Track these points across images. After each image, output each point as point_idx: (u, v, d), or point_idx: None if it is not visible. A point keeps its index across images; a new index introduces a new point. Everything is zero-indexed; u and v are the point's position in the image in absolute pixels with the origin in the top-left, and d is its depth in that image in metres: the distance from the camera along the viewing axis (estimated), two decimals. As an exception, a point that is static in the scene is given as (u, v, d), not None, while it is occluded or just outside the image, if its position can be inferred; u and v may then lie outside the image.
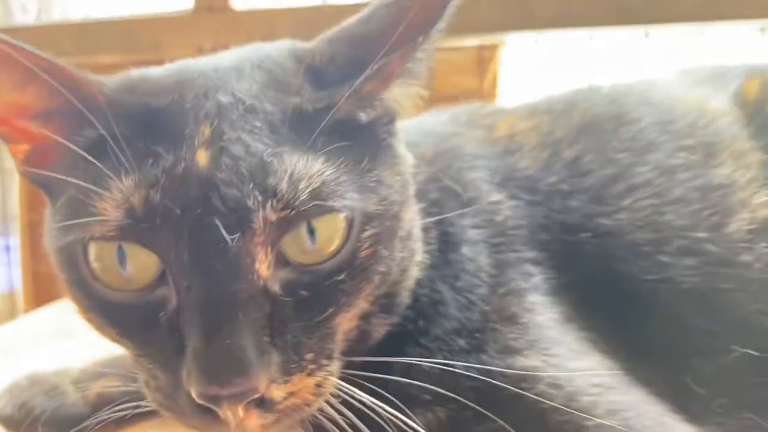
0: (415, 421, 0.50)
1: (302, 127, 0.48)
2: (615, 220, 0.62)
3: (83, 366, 0.72)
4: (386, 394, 0.50)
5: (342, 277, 0.48)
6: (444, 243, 0.61)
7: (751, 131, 0.67)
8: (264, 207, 0.45)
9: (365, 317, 0.54)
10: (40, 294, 1.51)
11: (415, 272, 0.57)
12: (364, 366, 0.51)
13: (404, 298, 0.57)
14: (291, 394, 0.47)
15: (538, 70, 1.39)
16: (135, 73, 0.54)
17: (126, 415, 0.56)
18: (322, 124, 0.48)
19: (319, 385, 0.48)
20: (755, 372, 0.59)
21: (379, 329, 0.56)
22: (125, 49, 1.35)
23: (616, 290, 0.61)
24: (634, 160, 0.65)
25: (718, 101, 0.71)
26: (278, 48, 0.55)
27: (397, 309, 0.56)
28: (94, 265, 0.47)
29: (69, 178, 0.47)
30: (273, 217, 0.45)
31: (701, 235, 0.62)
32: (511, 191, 0.64)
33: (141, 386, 0.49)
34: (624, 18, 1.23)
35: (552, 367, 0.54)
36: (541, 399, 0.51)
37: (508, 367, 0.53)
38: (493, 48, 1.39)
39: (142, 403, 0.51)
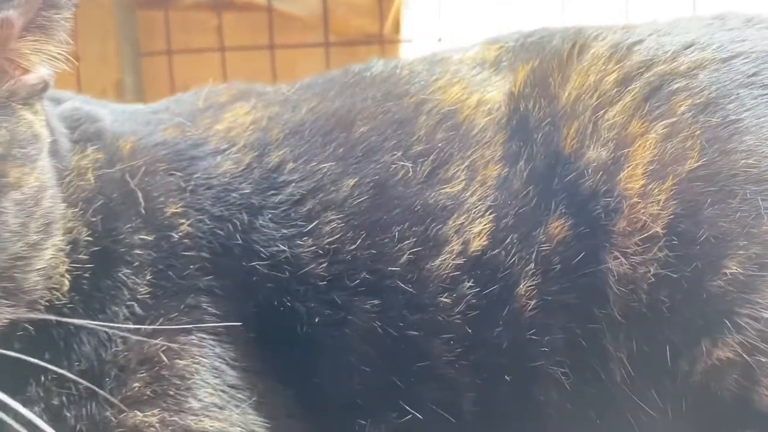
0: None
1: None
2: (295, 247, 0.54)
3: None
4: None
5: None
6: (100, 262, 0.53)
7: (506, 135, 0.56)
8: None
9: None
10: None
11: (43, 264, 0.50)
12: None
13: (32, 290, 0.49)
14: None
15: (451, 9, 1.25)
16: None
17: None
18: None
19: None
20: None
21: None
22: None
23: (290, 330, 0.54)
24: (341, 171, 0.55)
25: (496, 89, 0.59)
26: None
27: (22, 299, 0.49)
28: None
29: None
30: None
31: (393, 269, 0.53)
32: (199, 202, 0.56)
33: None
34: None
35: (169, 426, 0.47)
36: None
37: (118, 424, 0.46)
38: (395, -14, 1.25)
39: None
